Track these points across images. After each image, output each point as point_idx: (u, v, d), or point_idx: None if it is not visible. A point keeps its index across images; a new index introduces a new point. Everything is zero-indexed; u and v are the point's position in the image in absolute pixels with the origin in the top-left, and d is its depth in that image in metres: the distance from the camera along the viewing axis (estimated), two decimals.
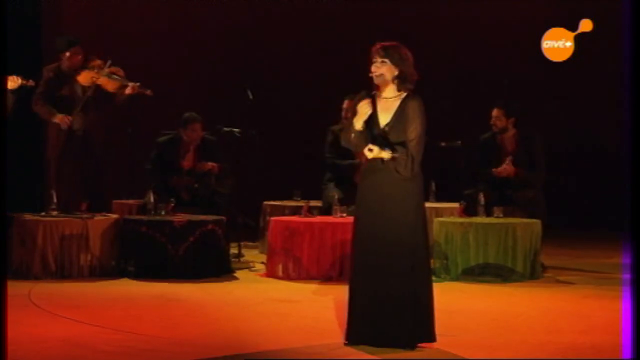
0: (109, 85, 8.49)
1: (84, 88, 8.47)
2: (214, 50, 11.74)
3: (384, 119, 5.17)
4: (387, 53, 5.14)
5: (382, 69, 5.14)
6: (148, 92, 8.50)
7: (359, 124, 5.12)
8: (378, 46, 5.18)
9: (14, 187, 7.07)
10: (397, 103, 5.18)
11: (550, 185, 8.84)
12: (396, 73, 5.15)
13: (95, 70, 8.46)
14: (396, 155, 5.09)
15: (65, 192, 8.34)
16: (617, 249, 8.92)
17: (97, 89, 8.46)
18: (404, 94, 5.19)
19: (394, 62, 5.14)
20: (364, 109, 5.09)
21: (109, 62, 8.46)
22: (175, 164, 8.59)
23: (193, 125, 8.60)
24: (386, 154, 5.09)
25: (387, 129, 5.14)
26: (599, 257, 9.19)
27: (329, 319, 5.87)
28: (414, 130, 5.12)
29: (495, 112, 8.48)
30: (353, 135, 5.15)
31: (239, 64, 11.59)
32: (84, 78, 8.47)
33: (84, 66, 8.51)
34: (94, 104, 8.51)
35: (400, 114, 5.15)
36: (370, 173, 5.18)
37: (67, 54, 8.50)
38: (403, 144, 5.11)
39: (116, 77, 8.49)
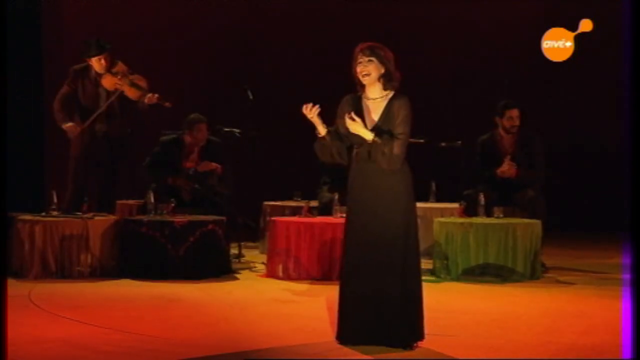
0: (131, 93, 8.61)
1: (107, 92, 8.60)
2: (214, 50, 11.74)
3: (370, 120, 5.16)
4: (372, 52, 5.14)
5: (369, 68, 5.14)
6: (167, 104, 8.62)
7: (321, 129, 5.14)
8: (363, 46, 5.18)
9: (14, 188, 7.09)
10: (384, 103, 5.17)
11: (550, 185, 8.84)
12: (382, 72, 5.15)
13: (119, 77, 8.58)
14: (378, 140, 5.06)
15: (81, 191, 8.46)
16: (617, 249, 8.92)
17: (121, 95, 8.58)
18: (391, 94, 5.18)
19: (380, 61, 5.14)
20: (310, 116, 5.13)
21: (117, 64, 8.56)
22: (177, 165, 8.59)
23: (199, 126, 8.60)
24: (368, 135, 5.07)
25: (375, 129, 5.11)
26: (599, 258, 9.19)
27: (329, 319, 5.86)
28: (399, 126, 5.10)
29: (515, 112, 8.45)
30: (325, 143, 5.16)
31: (239, 64, 11.59)
32: (108, 83, 8.62)
33: (109, 70, 8.63)
34: (118, 110, 8.64)
35: (387, 114, 5.13)
36: (359, 174, 5.17)
37: (94, 58, 8.62)
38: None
39: (138, 86, 8.60)
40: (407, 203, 5.15)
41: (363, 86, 5.21)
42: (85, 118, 8.66)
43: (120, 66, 8.71)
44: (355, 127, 5.08)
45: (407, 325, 5.07)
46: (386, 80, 5.16)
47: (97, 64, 8.67)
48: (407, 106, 5.14)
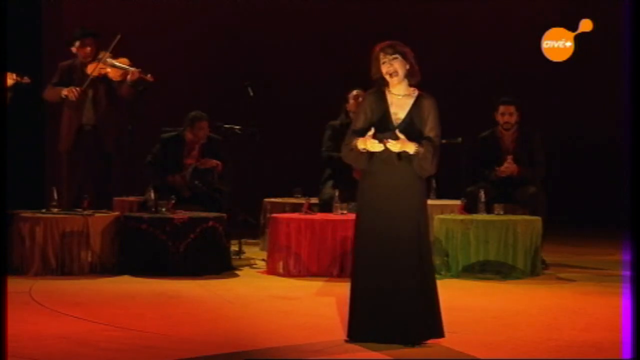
0: (114, 74, 8.49)
1: (93, 80, 8.48)
2: (214, 47, 11.75)
3: (397, 116, 5.14)
4: (395, 50, 5.11)
5: (395, 66, 5.10)
6: (148, 77, 8.47)
7: (362, 146, 5.06)
8: (383, 45, 5.14)
9: (14, 184, 7.08)
10: (410, 101, 5.15)
11: (551, 182, 8.85)
12: (407, 68, 5.13)
13: (102, 61, 8.46)
14: (420, 149, 5.05)
15: (76, 187, 8.40)
16: (617, 246, 8.93)
17: (104, 79, 8.48)
18: (416, 92, 5.17)
19: (404, 57, 5.12)
20: (374, 147, 5.03)
21: (117, 37, 8.41)
22: (179, 163, 8.59)
23: (200, 124, 8.60)
24: (411, 147, 5.04)
25: (402, 127, 5.10)
26: (599, 254, 9.20)
27: (330, 316, 5.87)
28: (434, 129, 5.10)
29: (507, 109, 8.45)
30: (356, 153, 5.10)
31: (240, 61, 11.60)
32: (93, 69, 8.47)
33: (93, 59, 8.55)
34: (105, 101, 8.54)
35: (415, 113, 5.12)
36: (374, 171, 5.14)
37: (77, 43, 8.54)
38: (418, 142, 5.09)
39: (119, 65, 8.48)
40: (421, 200, 5.17)
41: (386, 84, 5.17)
42: (75, 113, 8.53)
43: (103, 53, 8.59)
44: (400, 146, 5.03)
45: (421, 322, 5.06)
46: (411, 76, 5.15)
47: (83, 48, 8.54)
48: (436, 108, 5.13)
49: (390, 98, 5.17)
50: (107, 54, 8.49)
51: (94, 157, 8.53)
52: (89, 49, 8.55)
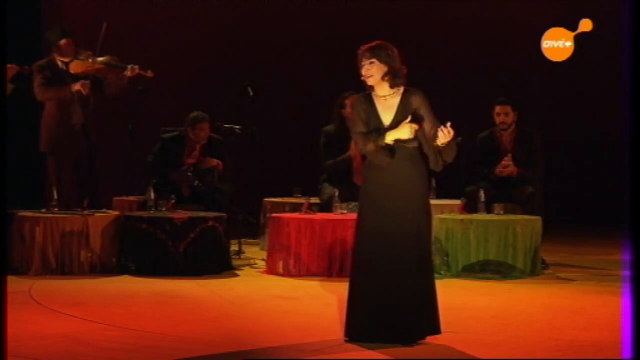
0: (108, 73, 8.43)
1: (78, 79, 8.39)
2: (215, 47, 11.75)
3: (387, 117, 5.18)
4: (373, 54, 5.16)
5: (372, 70, 5.16)
6: (149, 73, 8.43)
7: (390, 139, 5.11)
8: (364, 48, 5.20)
9: (14, 184, 7.07)
10: (397, 100, 5.19)
11: (551, 182, 8.84)
12: (386, 70, 5.16)
13: (90, 60, 8.39)
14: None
15: (66, 188, 8.33)
16: (617, 246, 8.93)
17: (94, 79, 8.40)
18: (401, 89, 5.20)
19: (382, 61, 5.15)
20: (409, 130, 5.08)
21: (104, 26, 8.26)
22: (180, 163, 8.59)
23: (202, 125, 8.61)
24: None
25: (392, 127, 5.13)
26: (599, 254, 9.20)
27: (330, 316, 5.87)
28: (433, 121, 5.16)
29: (503, 109, 8.46)
30: (381, 154, 5.12)
31: (240, 61, 11.60)
32: (79, 68, 8.38)
33: (74, 57, 8.45)
34: (93, 98, 8.47)
35: (403, 111, 5.16)
36: (376, 171, 5.17)
37: (61, 43, 8.44)
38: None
39: (113, 64, 8.43)
40: (423, 199, 5.20)
41: (371, 87, 5.23)
42: (65, 114, 8.40)
43: (85, 53, 8.46)
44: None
45: (421, 321, 5.08)
46: (392, 78, 5.18)
47: (67, 48, 8.42)
48: (426, 99, 5.19)
49: (377, 101, 5.23)
50: (94, 56, 8.40)
51: (85, 156, 8.46)
52: (73, 47, 8.47)
